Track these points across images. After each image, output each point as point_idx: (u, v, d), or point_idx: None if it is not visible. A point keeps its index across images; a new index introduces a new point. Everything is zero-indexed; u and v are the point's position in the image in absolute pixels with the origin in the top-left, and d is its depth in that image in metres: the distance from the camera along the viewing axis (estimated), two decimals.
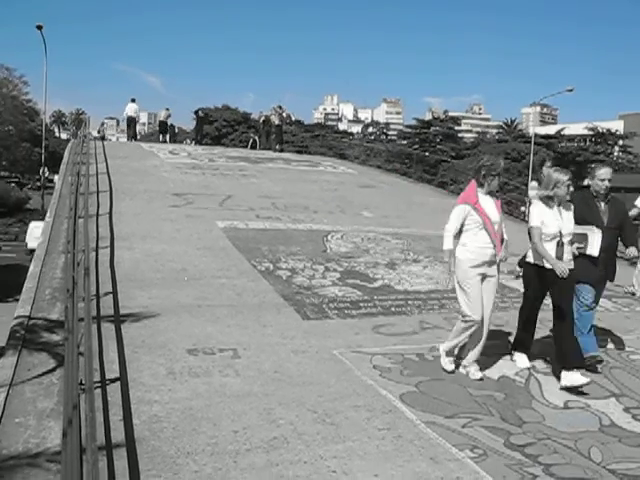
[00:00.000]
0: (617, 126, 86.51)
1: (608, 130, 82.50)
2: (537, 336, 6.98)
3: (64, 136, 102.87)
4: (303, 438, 4.67)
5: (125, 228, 10.83)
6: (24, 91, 60.21)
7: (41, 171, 47.49)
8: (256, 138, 31.62)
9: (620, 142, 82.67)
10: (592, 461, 4.73)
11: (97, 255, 8.98)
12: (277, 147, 27.55)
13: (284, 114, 28.49)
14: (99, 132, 34.02)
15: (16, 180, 64.81)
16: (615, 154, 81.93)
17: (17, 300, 7.64)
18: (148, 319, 6.95)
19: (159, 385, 5.38)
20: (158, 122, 31.81)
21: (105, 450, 4.21)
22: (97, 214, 11.27)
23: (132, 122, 29.80)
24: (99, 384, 5.10)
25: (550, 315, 6.45)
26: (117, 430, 4.53)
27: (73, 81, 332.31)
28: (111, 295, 7.51)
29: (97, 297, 7.26)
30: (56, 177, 23.99)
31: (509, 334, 7.53)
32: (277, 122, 27.88)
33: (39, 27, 39.35)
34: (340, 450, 4.55)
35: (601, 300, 9.67)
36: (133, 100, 30.05)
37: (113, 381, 5.33)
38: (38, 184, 58.03)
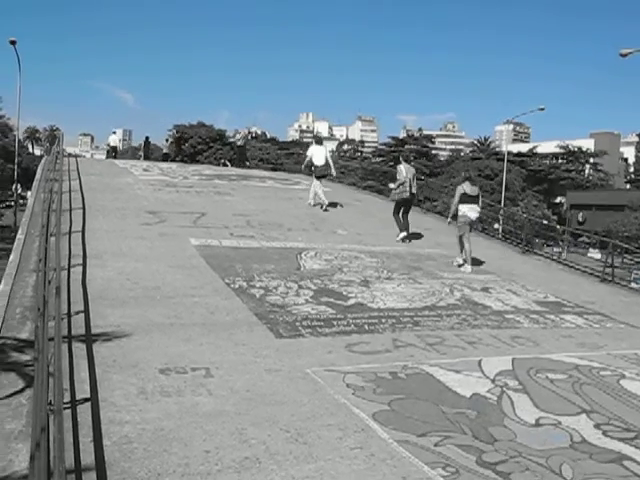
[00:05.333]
0: (588, 144, 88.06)
1: (579, 148, 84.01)
2: None
3: (38, 152, 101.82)
4: (275, 458, 4.65)
5: (98, 246, 10.74)
6: None
7: (14, 187, 46.97)
8: (227, 163, 33.43)
9: (591, 160, 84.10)
10: (563, 478, 4.76)
11: (69, 273, 8.88)
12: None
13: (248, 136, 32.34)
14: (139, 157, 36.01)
15: None
16: (586, 172, 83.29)
17: None
18: (120, 338, 6.88)
19: (130, 405, 5.32)
20: (162, 154, 36.40)
21: (74, 473, 4.16)
22: (69, 232, 11.14)
23: (114, 150, 34.75)
24: (69, 405, 5.04)
25: None
26: (87, 452, 4.47)
27: (47, 98, 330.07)
28: (82, 314, 7.41)
29: (68, 316, 7.17)
30: (29, 193, 23.80)
31: (480, 350, 7.62)
32: (239, 143, 32.00)
33: (12, 42, 38.94)
34: (312, 470, 4.53)
35: (572, 317, 9.85)
36: (114, 132, 36.80)
37: (83, 401, 5.26)
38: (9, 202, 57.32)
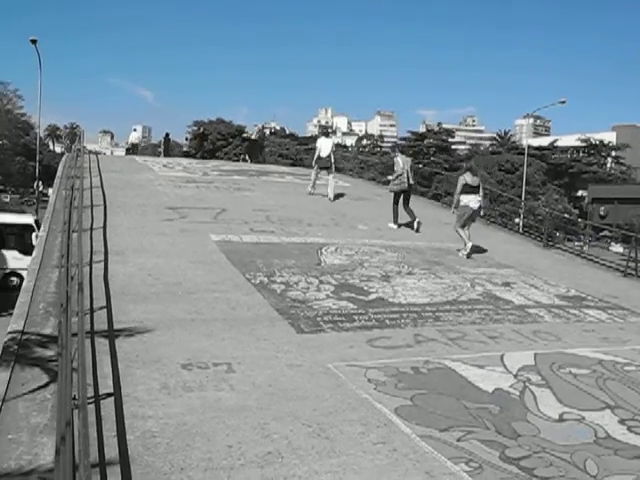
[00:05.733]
0: (610, 137, 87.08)
1: (601, 141, 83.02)
2: None
3: (58, 150, 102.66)
4: (297, 453, 4.65)
5: (119, 242, 10.80)
6: (18, 105, 60.50)
7: (35, 185, 47.41)
8: (247, 158, 33.23)
9: (613, 153, 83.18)
10: (588, 474, 4.73)
11: (91, 269, 8.94)
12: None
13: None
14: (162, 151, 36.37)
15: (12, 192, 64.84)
16: (608, 165, 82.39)
17: (10, 314, 7.61)
18: (142, 334, 6.92)
19: (153, 400, 5.35)
20: (182, 152, 38.68)
21: (98, 467, 4.18)
22: (91, 228, 11.22)
23: (135, 147, 35.63)
24: (93, 399, 5.08)
25: None
26: (111, 446, 4.50)
27: (67, 95, 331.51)
28: (105, 310, 7.47)
29: (91, 312, 7.22)
30: (50, 191, 24.02)
31: (502, 345, 7.57)
32: (254, 137, 31.55)
33: (33, 41, 39.24)
34: (335, 465, 4.53)
35: (595, 311, 9.75)
36: (135, 129, 39.27)
37: (107, 396, 5.31)
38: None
